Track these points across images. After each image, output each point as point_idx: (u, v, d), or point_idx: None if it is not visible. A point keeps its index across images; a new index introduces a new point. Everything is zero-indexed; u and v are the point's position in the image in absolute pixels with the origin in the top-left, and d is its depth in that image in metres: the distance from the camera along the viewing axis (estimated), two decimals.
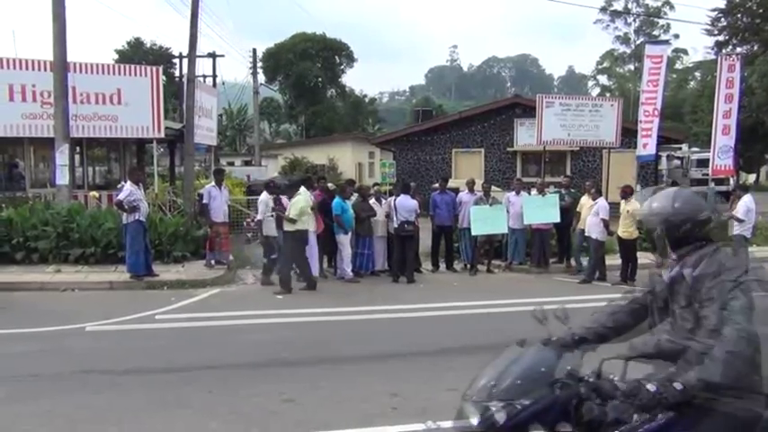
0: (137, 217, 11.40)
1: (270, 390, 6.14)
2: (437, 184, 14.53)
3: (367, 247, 12.87)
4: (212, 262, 12.76)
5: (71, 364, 6.92)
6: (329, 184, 13.81)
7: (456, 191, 14.72)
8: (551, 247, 14.07)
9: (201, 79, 29.91)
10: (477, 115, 28.02)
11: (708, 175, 20.72)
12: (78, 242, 12.68)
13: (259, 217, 11.84)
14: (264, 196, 11.82)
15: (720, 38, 28.02)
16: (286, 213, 11.16)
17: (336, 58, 64.77)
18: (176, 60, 41.26)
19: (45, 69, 14.66)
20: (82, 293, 10.86)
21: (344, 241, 12.37)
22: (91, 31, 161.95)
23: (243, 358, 7.30)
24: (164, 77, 18.61)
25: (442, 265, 13.97)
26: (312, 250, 11.87)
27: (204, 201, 12.88)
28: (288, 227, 11.16)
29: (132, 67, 16.38)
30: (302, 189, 11.56)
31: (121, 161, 20.08)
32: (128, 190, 11.41)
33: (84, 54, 49.20)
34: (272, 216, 11.52)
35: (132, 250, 11.44)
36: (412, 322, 9.40)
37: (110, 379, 6.49)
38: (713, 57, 27.73)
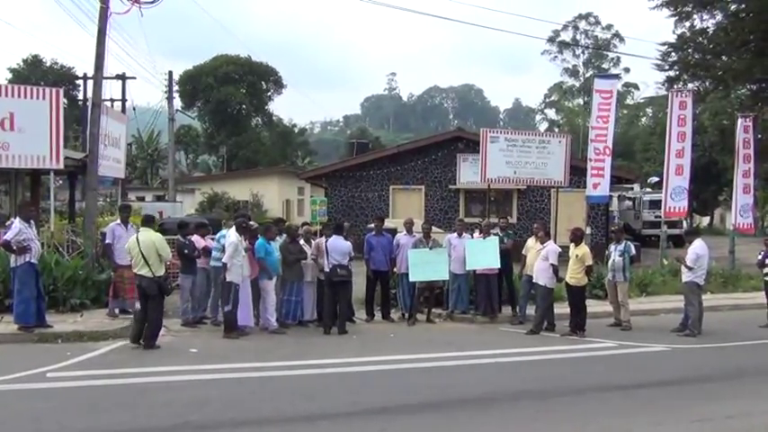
0: (27, 259, 11.04)
1: None
2: (372, 225, 14.62)
3: (295, 293, 12.76)
4: (116, 311, 12.42)
5: None
6: (252, 223, 13.71)
7: (393, 232, 14.82)
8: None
9: (109, 103, 29.36)
10: (417, 149, 28.51)
11: (660, 217, 21.57)
12: None
13: (225, 260, 11.59)
14: (235, 237, 11.65)
15: (671, 73, 29.46)
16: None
17: (263, 83, 64.92)
18: (80, 82, 40.43)
19: None
20: None
21: (268, 287, 12.25)
22: None
23: (149, 422, 7.09)
24: (65, 101, 18.23)
25: (378, 315, 13.96)
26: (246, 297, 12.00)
27: (107, 240, 12.59)
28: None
29: (28, 88, 15.90)
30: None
31: (13, 195, 19.42)
32: (16, 228, 11.04)
33: None
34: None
35: (21, 297, 11.02)
36: (344, 378, 9.33)
37: None
38: (665, 92, 29.08)
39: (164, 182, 47.27)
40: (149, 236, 10.97)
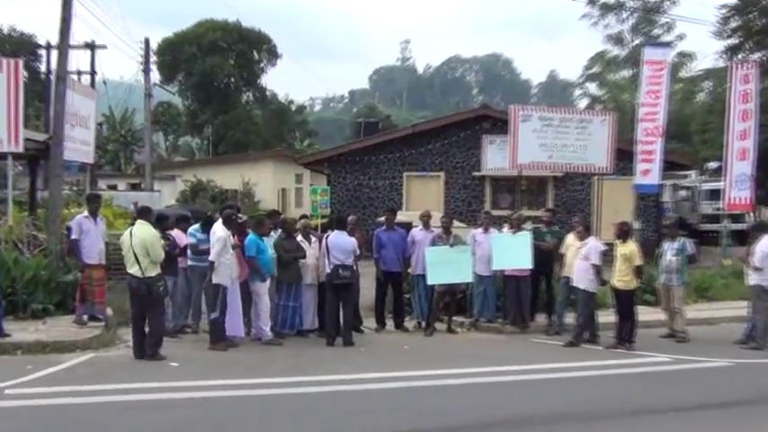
0: None
1: None
2: (383, 218, 14.58)
3: (293, 298, 12.76)
4: (84, 317, 12.45)
5: None
6: (241, 216, 13.71)
7: (408, 227, 14.78)
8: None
9: (76, 77, 29.45)
10: (435, 130, 28.45)
11: (721, 209, 21.44)
12: None
13: (212, 258, 11.62)
14: (223, 232, 11.64)
15: (732, 41, 29.24)
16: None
17: (255, 53, 65.03)
18: (43, 52, 40.51)
19: None
20: None
21: (261, 291, 12.24)
22: None
23: None
24: (25, 73, 18.27)
25: (390, 323, 13.98)
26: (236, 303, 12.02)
27: (73, 236, 12.59)
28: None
29: None
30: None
31: None
32: None
33: None
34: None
35: None
36: (349, 397, 9.32)
37: None
38: (725, 64, 28.88)
39: (139, 168, 47.45)
40: (143, 231, 10.96)
